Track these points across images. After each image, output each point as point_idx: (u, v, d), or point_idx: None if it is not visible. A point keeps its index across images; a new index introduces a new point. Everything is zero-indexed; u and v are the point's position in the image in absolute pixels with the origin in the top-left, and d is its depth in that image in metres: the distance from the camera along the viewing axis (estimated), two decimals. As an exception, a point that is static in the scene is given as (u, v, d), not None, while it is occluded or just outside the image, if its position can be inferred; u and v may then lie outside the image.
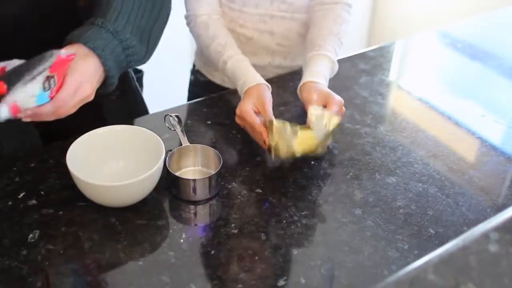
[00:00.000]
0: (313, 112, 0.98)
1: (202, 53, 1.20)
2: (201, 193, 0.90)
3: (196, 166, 0.97)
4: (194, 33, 1.20)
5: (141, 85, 1.26)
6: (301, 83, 1.08)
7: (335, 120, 0.97)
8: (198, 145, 0.96)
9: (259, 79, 1.06)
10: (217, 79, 1.34)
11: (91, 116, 0.96)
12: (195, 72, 1.42)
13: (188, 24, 1.21)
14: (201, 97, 1.21)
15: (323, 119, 0.97)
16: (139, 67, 1.26)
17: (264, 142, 0.96)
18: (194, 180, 0.89)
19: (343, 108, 1.03)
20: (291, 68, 1.31)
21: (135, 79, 1.20)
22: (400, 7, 2.86)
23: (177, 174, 0.93)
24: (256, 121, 0.98)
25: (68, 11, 0.95)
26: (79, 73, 0.80)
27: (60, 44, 0.84)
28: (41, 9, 0.93)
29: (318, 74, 1.08)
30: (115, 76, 0.87)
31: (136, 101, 1.21)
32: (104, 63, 0.84)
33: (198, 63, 1.39)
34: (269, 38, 1.26)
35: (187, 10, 1.20)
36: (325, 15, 1.19)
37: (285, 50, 1.29)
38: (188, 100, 1.45)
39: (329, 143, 1.00)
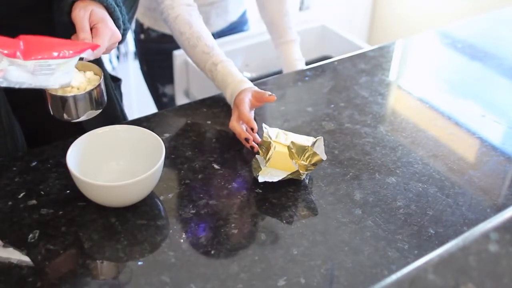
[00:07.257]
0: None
1: (183, 49, 1.16)
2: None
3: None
4: (174, 29, 1.15)
5: (120, 93, 1.22)
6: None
7: (316, 157, 0.91)
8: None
9: (248, 83, 1.08)
10: None
11: (71, 129, 0.98)
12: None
13: (164, 18, 1.16)
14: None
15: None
16: (118, 76, 1.24)
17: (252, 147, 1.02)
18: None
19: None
20: None
21: (114, 88, 1.16)
22: (400, 7, 2.87)
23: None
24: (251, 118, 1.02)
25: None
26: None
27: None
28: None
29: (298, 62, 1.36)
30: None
31: (115, 112, 1.17)
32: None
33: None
34: None
35: (160, 3, 1.16)
36: None
37: None
38: None
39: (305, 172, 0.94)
